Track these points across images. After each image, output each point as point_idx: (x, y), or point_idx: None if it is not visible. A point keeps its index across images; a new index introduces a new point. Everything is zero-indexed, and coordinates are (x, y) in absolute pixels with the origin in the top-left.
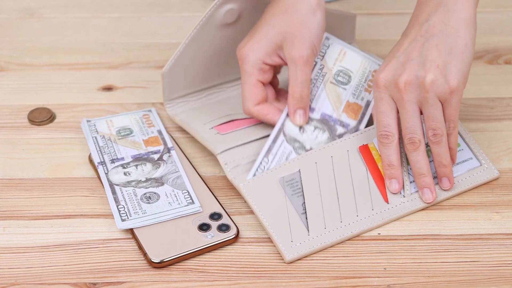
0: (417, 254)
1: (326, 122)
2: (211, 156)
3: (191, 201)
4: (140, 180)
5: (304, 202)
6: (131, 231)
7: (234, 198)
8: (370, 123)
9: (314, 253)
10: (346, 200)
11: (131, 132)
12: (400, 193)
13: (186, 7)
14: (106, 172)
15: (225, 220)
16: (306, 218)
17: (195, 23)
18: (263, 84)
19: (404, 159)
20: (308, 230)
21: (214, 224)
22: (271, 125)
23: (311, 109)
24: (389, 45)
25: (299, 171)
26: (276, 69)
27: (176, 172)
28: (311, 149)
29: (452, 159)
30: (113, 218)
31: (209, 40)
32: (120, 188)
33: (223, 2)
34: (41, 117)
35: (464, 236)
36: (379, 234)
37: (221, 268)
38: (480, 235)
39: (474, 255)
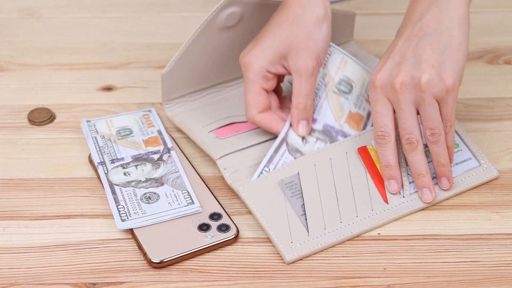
0: (417, 254)
1: (328, 133)
2: None
3: (191, 201)
4: (140, 180)
5: (304, 204)
6: (131, 231)
7: (234, 198)
8: None
9: (314, 254)
10: (346, 201)
11: (131, 132)
12: (400, 194)
13: (186, 7)
14: (106, 172)
15: (225, 220)
16: (306, 219)
17: (195, 23)
18: (267, 91)
19: (403, 160)
20: (308, 231)
21: (214, 224)
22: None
23: (313, 120)
24: (389, 45)
25: (298, 173)
26: (280, 77)
27: (176, 172)
28: None
29: (450, 158)
30: (113, 218)
31: (209, 43)
32: (120, 188)
33: (226, 5)
34: (41, 117)
35: (464, 236)
36: (379, 234)
37: (221, 268)
38: (480, 235)
39: (474, 255)
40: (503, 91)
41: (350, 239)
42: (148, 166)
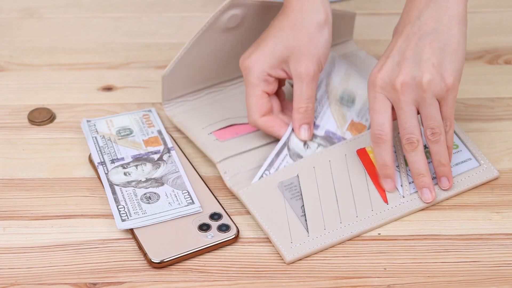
0: (417, 254)
1: (330, 140)
2: None
3: (191, 201)
4: (140, 180)
5: (303, 205)
6: (131, 231)
7: (234, 198)
8: None
9: (314, 254)
10: (345, 202)
11: (131, 132)
12: (400, 194)
13: (186, 7)
14: (106, 172)
15: (225, 220)
16: (306, 220)
17: (195, 23)
18: (268, 94)
19: (403, 159)
20: (308, 231)
21: (214, 224)
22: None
23: (316, 126)
24: (388, 44)
25: (298, 175)
26: (281, 81)
27: (176, 172)
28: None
29: (449, 157)
30: (113, 218)
31: (210, 44)
32: (120, 188)
33: (228, 7)
34: (41, 117)
35: (464, 236)
36: (379, 234)
37: (221, 268)
38: (480, 235)
39: (474, 255)
40: (503, 91)
41: (350, 239)
42: (148, 166)
